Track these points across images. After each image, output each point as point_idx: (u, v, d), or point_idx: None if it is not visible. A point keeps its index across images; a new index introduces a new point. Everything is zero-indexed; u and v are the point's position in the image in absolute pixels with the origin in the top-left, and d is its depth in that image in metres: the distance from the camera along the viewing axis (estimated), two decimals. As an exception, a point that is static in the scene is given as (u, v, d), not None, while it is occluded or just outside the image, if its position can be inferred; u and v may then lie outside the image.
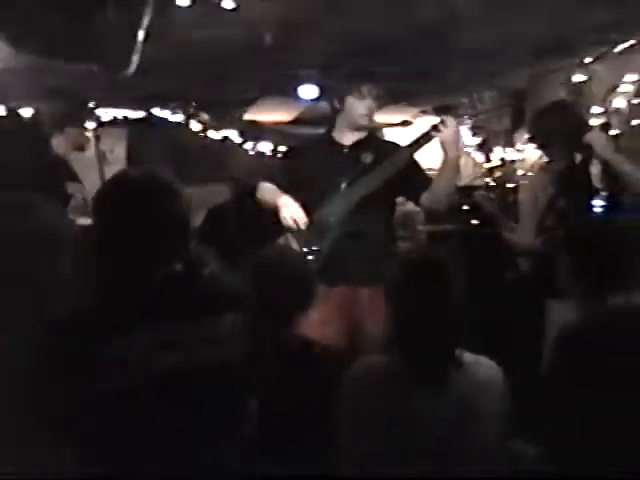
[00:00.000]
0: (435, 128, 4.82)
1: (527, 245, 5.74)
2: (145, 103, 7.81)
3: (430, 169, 5.11)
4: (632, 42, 5.98)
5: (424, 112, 8.65)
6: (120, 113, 7.91)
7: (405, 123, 9.01)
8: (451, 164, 4.86)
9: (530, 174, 7.49)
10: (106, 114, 7.73)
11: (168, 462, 2.52)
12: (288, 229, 4.82)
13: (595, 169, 5.69)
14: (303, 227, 4.79)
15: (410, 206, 5.54)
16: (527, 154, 7.52)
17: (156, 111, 7.96)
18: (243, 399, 2.77)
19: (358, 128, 4.96)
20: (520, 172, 7.81)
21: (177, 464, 2.54)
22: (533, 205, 5.62)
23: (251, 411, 2.81)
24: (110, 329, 2.51)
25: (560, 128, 5.19)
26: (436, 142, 4.86)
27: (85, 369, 2.48)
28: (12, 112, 7.01)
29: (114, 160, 7.44)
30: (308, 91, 6.85)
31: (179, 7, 4.71)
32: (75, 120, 6.01)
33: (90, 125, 6.44)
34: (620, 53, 6.21)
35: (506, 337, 5.20)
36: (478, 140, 8.40)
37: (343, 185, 4.86)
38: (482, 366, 3.17)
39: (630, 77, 6.16)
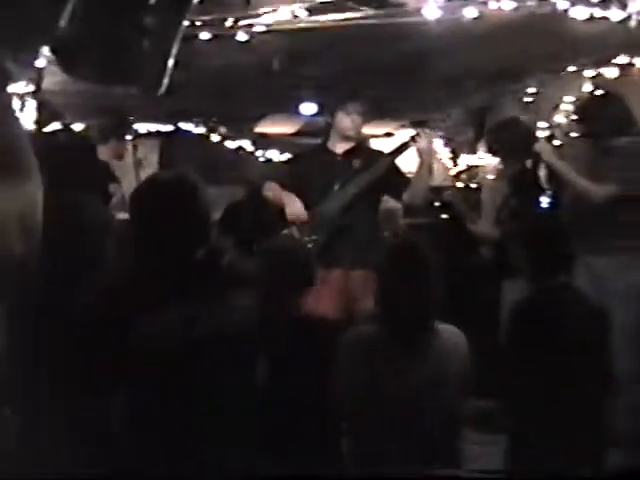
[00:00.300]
0: (413, 139, 4.85)
1: (487, 235, 5.75)
2: (174, 118, 7.79)
3: (409, 172, 5.11)
4: (570, 70, 5.99)
5: (404, 126, 8.62)
6: (153, 127, 7.89)
7: (388, 135, 8.97)
8: (426, 168, 4.89)
9: (489, 177, 7.48)
10: (142, 128, 7.71)
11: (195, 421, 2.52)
12: (292, 222, 4.82)
13: (543, 173, 5.70)
14: (304, 221, 4.80)
15: (392, 203, 5.52)
16: (487, 161, 7.50)
17: (183, 125, 7.94)
18: (255, 361, 2.77)
19: (347, 139, 4.96)
20: (481, 175, 7.80)
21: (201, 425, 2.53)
22: (492, 203, 5.63)
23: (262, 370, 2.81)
24: (144, 306, 2.51)
25: (513, 139, 5.18)
26: (413, 150, 4.87)
27: (123, 338, 2.48)
28: (66, 127, 6.99)
29: (148, 165, 7.40)
30: (308, 108, 6.83)
31: (201, 40, 4.72)
32: (117, 133, 6.01)
33: (129, 137, 6.43)
34: (561, 79, 6.22)
35: (470, 310, 5.20)
36: (448, 149, 8.38)
37: (337, 186, 4.85)
38: (451, 333, 3.18)
39: (568, 98, 6.16)
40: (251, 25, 4.71)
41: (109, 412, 2.59)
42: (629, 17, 4.55)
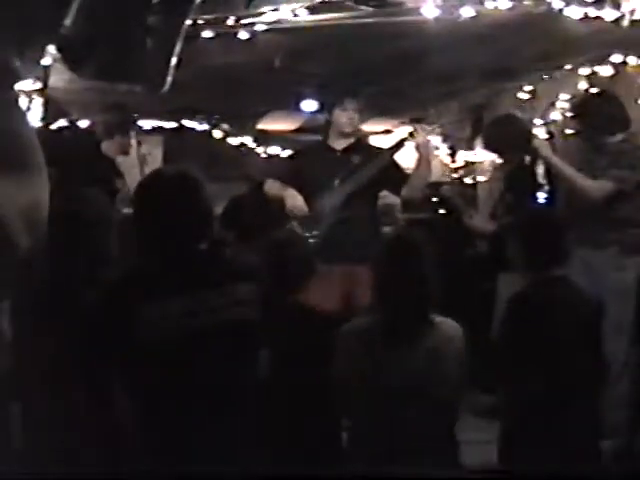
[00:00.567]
0: (411, 135, 4.86)
1: (484, 230, 5.76)
2: (177, 115, 7.78)
3: (407, 168, 5.12)
4: (566, 68, 5.99)
5: (403, 123, 8.62)
6: (157, 124, 7.89)
7: (387, 132, 8.97)
8: (424, 163, 4.90)
9: (487, 173, 7.49)
10: (146, 124, 7.71)
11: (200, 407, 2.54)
12: (293, 217, 4.84)
13: (539, 169, 5.71)
14: (305, 216, 4.81)
15: (391, 198, 5.53)
16: (484, 157, 7.51)
17: (186, 122, 7.94)
18: (257, 350, 2.78)
19: (346, 135, 4.97)
20: (479, 171, 7.80)
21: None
22: (489, 198, 5.64)
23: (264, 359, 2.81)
24: (147, 299, 2.52)
25: (509, 136, 5.19)
26: (412, 146, 4.89)
27: (126, 331, 2.49)
28: (72, 123, 7.00)
29: (152, 161, 7.40)
30: (308, 105, 6.83)
31: (204, 38, 4.73)
32: (122, 130, 6.02)
33: (133, 133, 6.43)
34: (556, 77, 6.23)
35: (466, 302, 5.21)
36: (445, 145, 8.39)
37: (336, 182, 4.87)
38: (447, 325, 3.18)
39: (564, 96, 6.17)
40: (253, 24, 4.72)
41: (111, 404, 2.59)
42: (622, 16, 4.56)
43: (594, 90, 5.55)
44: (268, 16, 4.68)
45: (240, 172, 8.14)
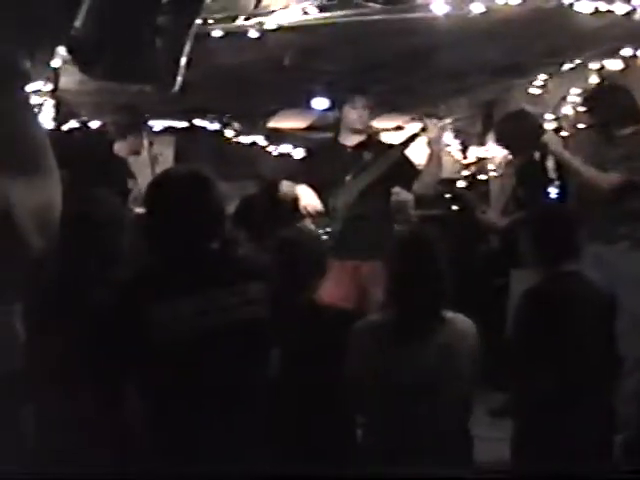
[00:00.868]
0: (423, 130, 4.88)
1: (496, 225, 5.75)
2: (188, 115, 7.79)
3: (419, 163, 5.12)
4: (576, 62, 5.97)
5: (414, 119, 8.61)
6: (168, 123, 7.90)
7: (398, 128, 8.97)
8: (435, 159, 4.92)
9: (498, 169, 7.47)
10: (157, 124, 7.72)
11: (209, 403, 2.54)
12: (306, 214, 4.84)
13: (550, 164, 5.70)
14: (317, 213, 4.81)
15: (403, 195, 5.54)
16: (495, 152, 7.49)
17: (197, 121, 7.94)
18: (269, 349, 2.78)
19: (357, 132, 4.98)
20: (490, 167, 7.78)
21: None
22: (501, 193, 5.63)
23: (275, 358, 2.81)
24: (158, 298, 2.52)
25: (520, 131, 5.18)
26: (423, 141, 4.90)
27: (137, 330, 2.49)
28: (83, 124, 7.02)
29: (163, 161, 7.41)
30: (319, 103, 6.82)
31: (214, 38, 4.73)
32: (133, 130, 6.03)
33: (144, 133, 6.44)
34: (567, 71, 6.21)
35: (479, 298, 5.21)
36: (457, 141, 8.37)
37: (348, 178, 4.87)
38: (459, 322, 3.18)
39: (575, 90, 6.14)
40: (262, 22, 4.72)
41: (122, 405, 2.60)
42: (634, 10, 4.55)
43: (605, 83, 5.53)
44: (278, 14, 4.68)
45: (251, 171, 8.14)
